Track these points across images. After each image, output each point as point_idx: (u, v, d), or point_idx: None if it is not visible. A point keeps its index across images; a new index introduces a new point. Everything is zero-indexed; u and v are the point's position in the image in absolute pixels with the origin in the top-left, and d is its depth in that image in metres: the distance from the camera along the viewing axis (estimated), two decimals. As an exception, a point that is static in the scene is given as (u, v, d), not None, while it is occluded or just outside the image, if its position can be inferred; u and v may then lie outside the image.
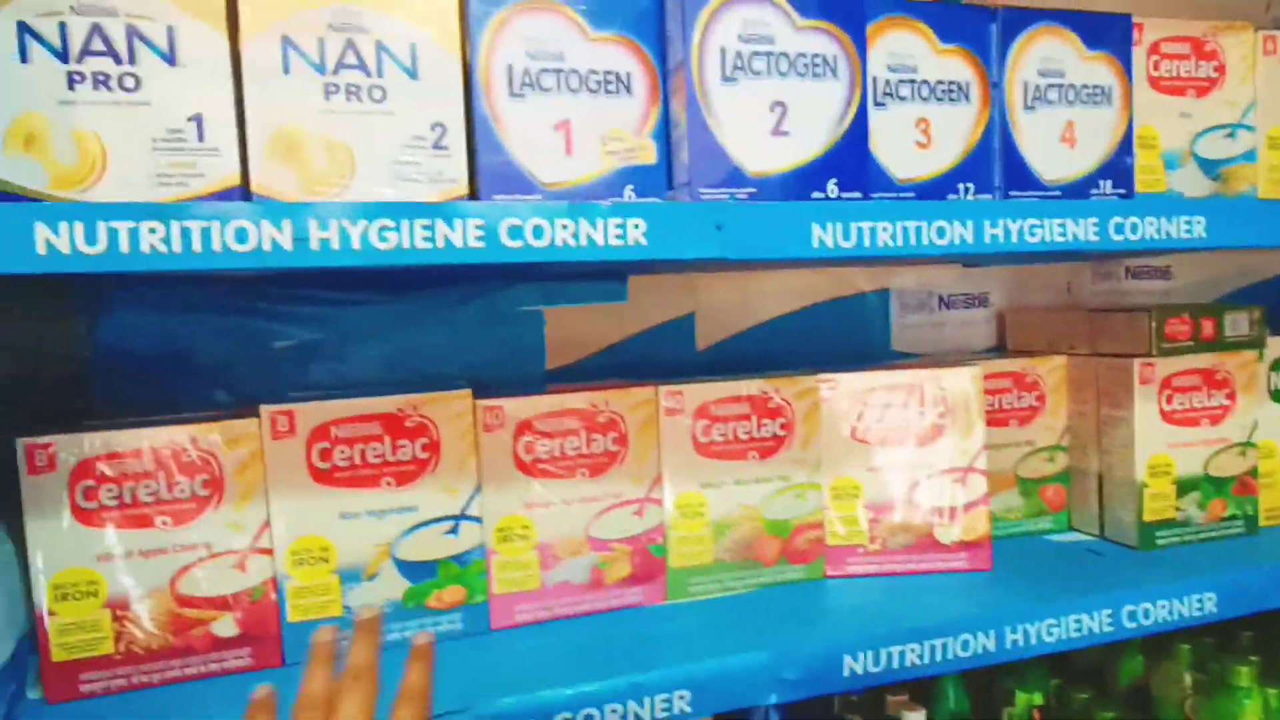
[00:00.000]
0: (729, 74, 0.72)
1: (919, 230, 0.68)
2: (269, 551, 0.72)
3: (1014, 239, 0.70)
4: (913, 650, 0.70)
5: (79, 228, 0.53)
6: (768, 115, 0.73)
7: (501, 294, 0.93)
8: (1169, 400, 0.90)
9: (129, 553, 0.69)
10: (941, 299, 1.08)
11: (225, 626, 0.71)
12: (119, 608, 0.69)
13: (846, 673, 0.68)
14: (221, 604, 0.71)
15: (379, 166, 0.69)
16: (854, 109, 0.75)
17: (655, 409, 0.81)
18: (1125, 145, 0.86)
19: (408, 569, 0.75)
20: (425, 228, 0.58)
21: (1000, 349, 1.10)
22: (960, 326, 1.08)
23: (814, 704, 0.99)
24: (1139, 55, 0.88)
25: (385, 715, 0.54)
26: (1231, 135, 0.92)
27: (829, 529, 0.87)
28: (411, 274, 0.86)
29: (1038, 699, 1.02)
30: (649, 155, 0.75)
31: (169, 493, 0.69)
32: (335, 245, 0.57)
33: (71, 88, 0.63)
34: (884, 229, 0.67)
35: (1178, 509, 0.91)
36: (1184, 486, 0.91)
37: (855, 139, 0.75)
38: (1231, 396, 0.92)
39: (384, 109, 0.69)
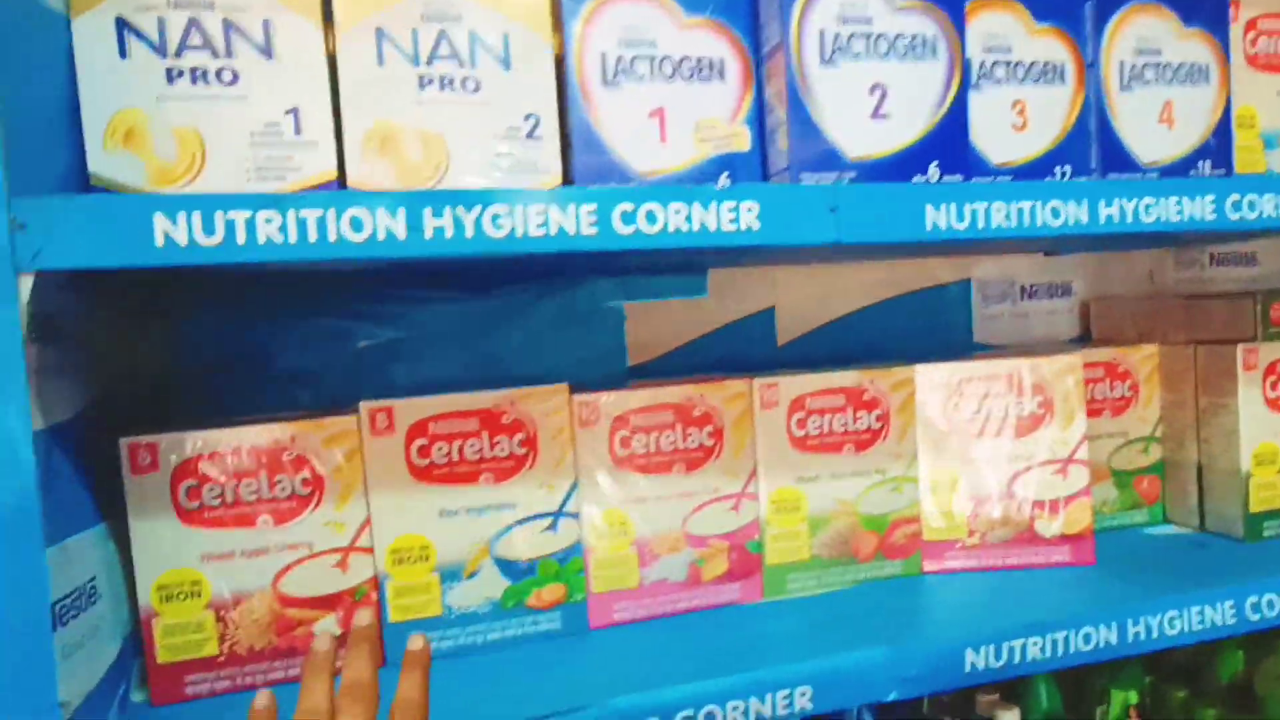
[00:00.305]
0: (828, 56, 0.71)
1: (1033, 211, 0.66)
2: (369, 550, 0.71)
3: (1128, 219, 0.68)
4: (1034, 644, 0.67)
5: (197, 218, 0.52)
6: (867, 98, 0.72)
7: (581, 289, 0.92)
8: (1274, 387, 0.87)
9: (231, 553, 0.68)
10: (1023, 289, 1.05)
11: (329, 626, 0.70)
12: (222, 608, 0.68)
13: (968, 668, 0.66)
14: (324, 604, 0.70)
15: (473, 158, 0.68)
16: (954, 91, 0.74)
17: (749, 402, 0.79)
18: (1224, 124, 0.84)
19: (507, 567, 0.74)
20: (539, 214, 0.57)
21: (1084, 339, 1.07)
22: (1043, 316, 1.06)
23: (905, 708, 0.97)
24: (1235, 32, 0.86)
25: None
26: (1330, 112, 0.89)
27: (925, 523, 0.84)
28: (494, 270, 0.86)
29: (1133, 697, 0.99)
30: (743, 142, 0.74)
31: (270, 491, 0.69)
32: (449, 234, 0.56)
33: (170, 82, 0.63)
34: (998, 209, 0.65)
35: (1286, 499, 0.88)
36: (1292, 475, 0.88)
37: (955, 121, 0.74)
38: (1338, 382, 0.88)
39: (478, 99, 0.68)
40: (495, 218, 0.57)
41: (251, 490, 0.68)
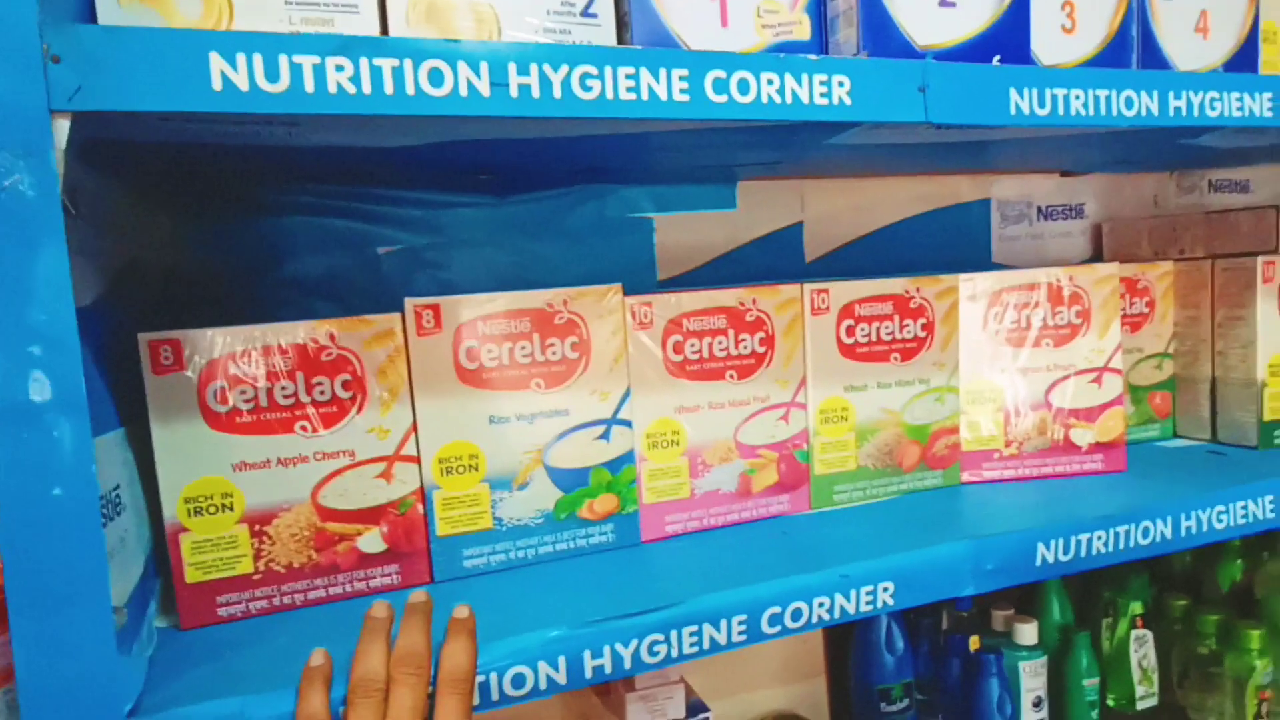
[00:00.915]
0: (899, -62, 0.68)
1: (1109, 100, 0.65)
2: (415, 459, 0.66)
3: (1195, 113, 0.67)
4: (1099, 538, 0.68)
5: (258, 61, 0.46)
6: (935, -15, 0.70)
7: (611, 199, 0.88)
8: (1289, 298, 0.89)
9: (266, 460, 0.62)
10: (1040, 210, 1.06)
11: (371, 542, 0.65)
12: (257, 522, 0.62)
13: (1039, 562, 0.66)
14: (367, 517, 0.65)
15: (526, 33, 0.63)
16: (1017, -19, 0.72)
17: (801, 308, 0.77)
18: (1252, 37, 0.85)
19: (560, 476, 0.70)
20: (629, 77, 0.53)
21: (1096, 259, 1.09)
22: (1057, 239, 1.07)
23: (928, 622, 0.98)
24: (1263, -54, 0.87)
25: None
26: (1342, 32, 0.91)
27: (964, 433, 0.84)
28: (524, 170, 0.81)
29: (1139, 608, 1.02)
30: (804, 31, 0.70)
31: (308, 395, 0.63)
32: (535, 93, 0.51)
33: (195, -67, 0.55)
34: (1077, 96, 0.64)
35: (1295, 408, 0.91)
36: (1301, 385, 0.91)
37: (1018, 14, 0.72)
38: (1343, 295, 0.92)
39: (532, -30, 0.63)
40: (584, 78, 0.52)
41: (287, 394, 0.62)
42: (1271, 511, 0.75)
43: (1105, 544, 0.68)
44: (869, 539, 0.69)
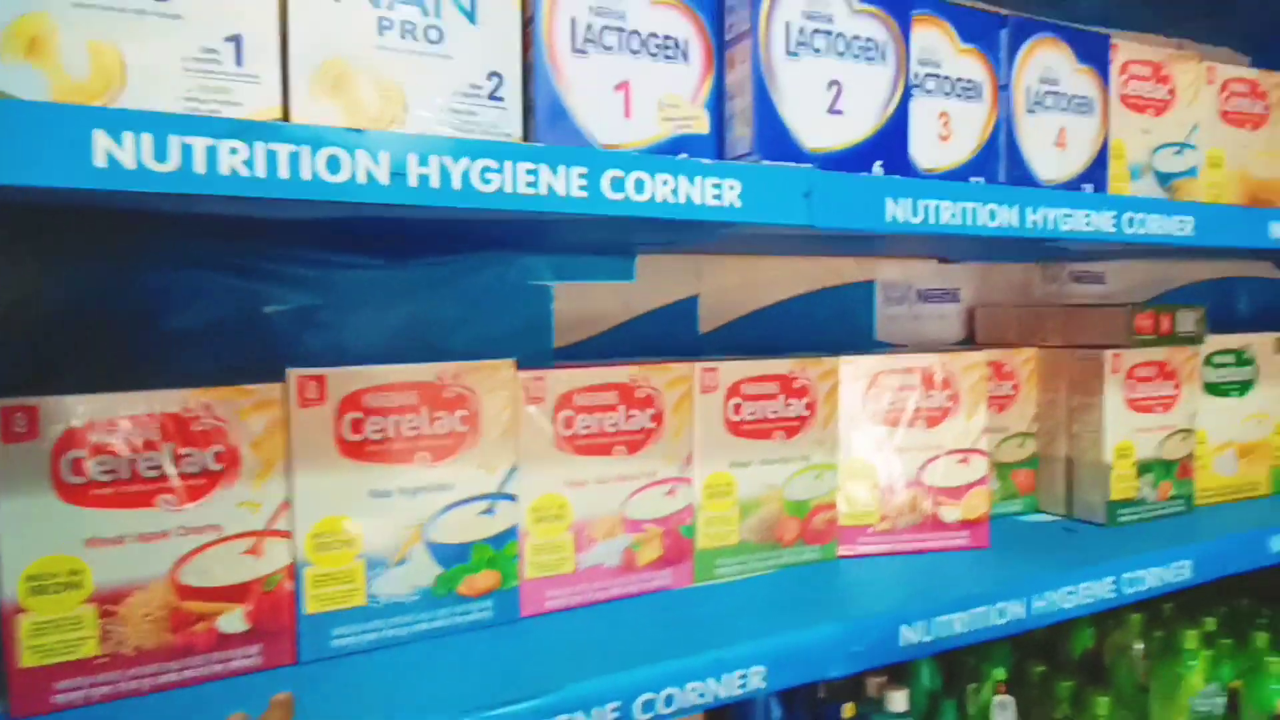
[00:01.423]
0: (792, 48, 0.72)
1: (975, 211, 0.70)
2: (287, 534, 0.64)
3: (1050, 226, 0.74)
4: (958, 619, 0.71)
5: (146, 140, 0.45)
6: (825, 93, 0.74)
7: (511, 266, 0.88)
8: (1132, 389, 0.98)
9: (123, 537, 0.59)
10: (920, 293, 1.12)
11: (233, 621, 0.63)
12: (107, 601, 0.59)
13: (903, 642, 0.69)
14: (231, 595, 0.62)
15: (432, 112, 0.63)
16: (899, 94, 0.77)
17: (690, 386, 0.79)
18: (1103, 153, 0.94)
19: (440, 552, 0.69)
20: (529, 172, 0.54)
21: (968, 342, 1.16)
22: (935, 320, 1.13)
23: (804, 692, 1.00)
24: (1113, 72, 0.96)
25: None
26: (1179, 152, 1.02)
27: (842, 509, 0.88)
28: (423, 236, 0.80)
29: (1002, 674, 1.08)
30: (702, 125, 0.74)
31: (175, 467, 0.60)
32: (435, 183, 0.52)
33: (79, -11, 0.54)
34: (947, 208, 0.69)
35: (1137, 489, 0.99)
36: (1142, 468, 0.99)
37: (899, 124, 0.77)
38: (1178, 387, 1.01)
39: (440, 51, 0.64)
40: (485, 171, 0.53)
41: (152, 465, 0.59)
42: (1112, 591, 0.81)
43: (964, 624, 0.72)
44: (746, 618, 0.71)
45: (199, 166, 0.46)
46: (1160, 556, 0.85)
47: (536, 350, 0.89)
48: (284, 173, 0.47)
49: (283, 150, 0.47)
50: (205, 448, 0.61)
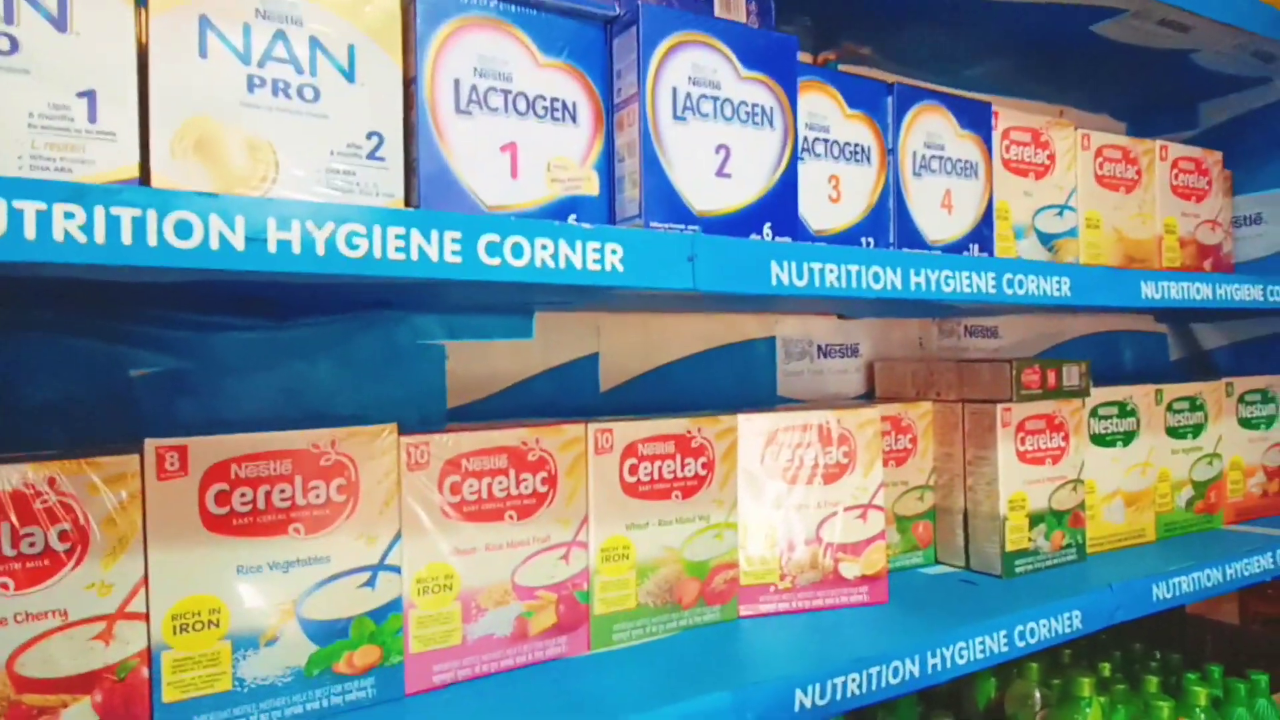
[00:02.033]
0: (680, 113, 0.73)
1: (859, 274, 0.72)
2: (143, 616, 0.60)
3: (932, 288, 0.76)
4: (853, 681, 0.71)
5: (-32, 204, 0.42)
6: (713, 157, 0.75)
7: (400, 326, 0.86)
8: (1023, 441, 1.00)
9: (-49, 627, 0.54)
10: (820, 348, 1.14)
11: (80, 714, 0.58)
12: (-68, 700, 0.53)
13: (798, 708, 0.68)
14: (77, 685, 0.58)
15: (307, 172, 0.62)
16: (786, 159, 0.79)
17: (585, 447, 0.77)
18: (988, 215, 0.98)
19: (315, 629, 0.65)
20: (399, 237, 0.53)
21: (869, 396, 1.18)
22: (836, 374, 1.15)
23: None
24: (995, 138, 1.01)
25: None
26: (1060, 214, 1.07)
27: (743, 568, 0.87)
28: (305, 298, 0.78)
29: (908, 728, 1.08)
30: (592, 187, 0.74)
31: (12, 549, 0.56)
32: (296, 249, 0.50)
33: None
34: (831, 270, 0.70)
35: (1030, 540, 1.01)
36: (1035, 519, 1.01)
37: (787, 187, 0.79)
38: (1066, 439, 1.04)
39: (316, 110, 0.63)
40: (350, 236, 0.51)
41: (-13, 546, 0.55)
42: (1005, 645, 0.82)
43: (859, 685, 0.71)
44: (641, 687, 0.69)
45: (29, 233, 0.43)
46: (1051, 609, 0.86)
47: (429, 413, 0.87)
48: (127, 239, 0.45)
49: (125, 214, 0.45)
50: (49, 526, 0.57)
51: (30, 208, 0.43)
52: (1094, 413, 1.10)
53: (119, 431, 0.70)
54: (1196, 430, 1.22)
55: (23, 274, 0.50)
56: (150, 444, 0.60)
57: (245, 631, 0.63)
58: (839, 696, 0.70)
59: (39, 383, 0.70)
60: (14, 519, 0.56)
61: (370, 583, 0.67)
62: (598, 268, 0.59)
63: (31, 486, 0.56)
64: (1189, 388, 1.21)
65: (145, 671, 0.60)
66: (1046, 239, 1.05)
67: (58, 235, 0.44)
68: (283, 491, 0.64)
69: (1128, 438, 1.14)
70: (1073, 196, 1.08)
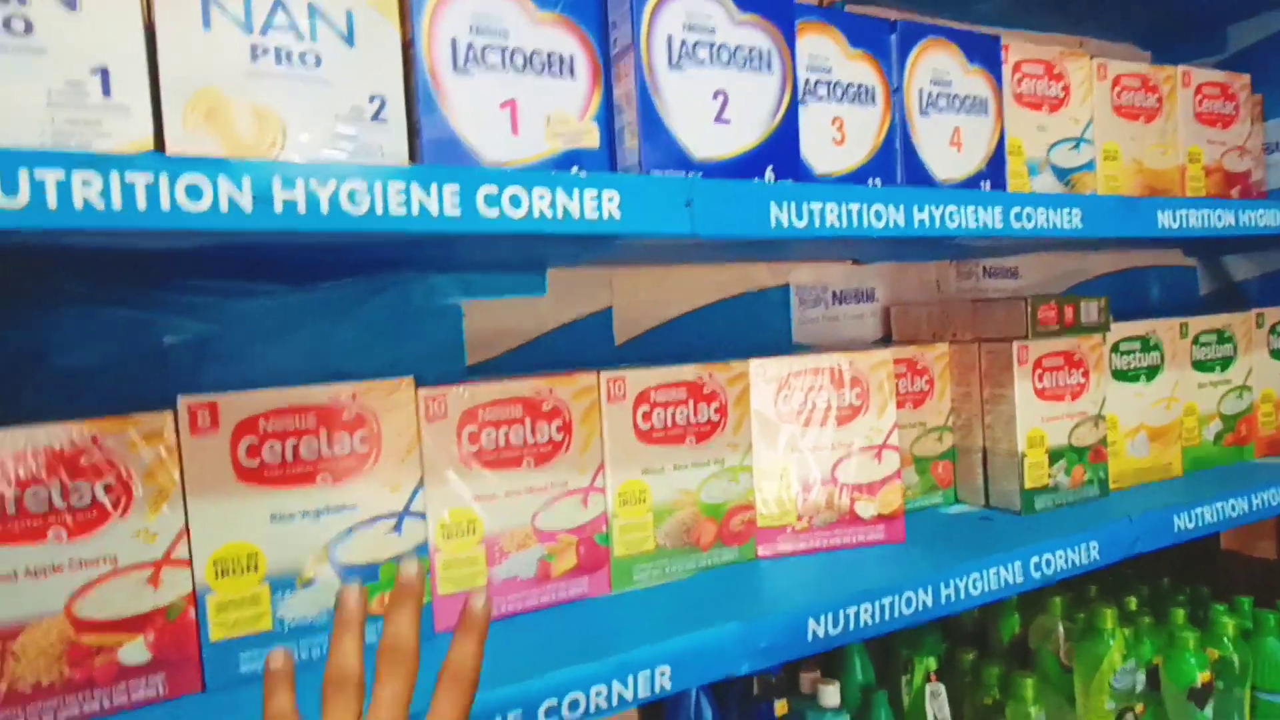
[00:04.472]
0: (676, 61, 0.74)
1: (860, 213, 0.72)
2: (187, 563, 0.64)
3: (936, 224, 0.76)
4: (865, 610, 0.73)
5: (-7, 175, 0.45)
6: (711, 103, 0.76)
7: (417, 286, 0.89)
8: (1040, 379, 1.00)
9: (13, 573, 0.59)
10: (835, 294, 1.15)
11: (134, 652, 0.62)
12: (1, 639, 0.58)
13: (810, 636, 0.70)
14: (130, 626, 0.62)
15: (313, 137, 0.64)
16: (786, 102, 0.79)
17: (598, 396, 0.80)
18: (1000, 151, 0.97)
19: (347, 573, 0.69)
20: (400, 192, 0.55)
21: (886, 340, 1.18)
22: (851, 320, 1.16)
23: (738, 690, 1.01)
24: (1006, 72, 0.99)
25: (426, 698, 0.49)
26: (1076, 148, 1.06)
27: (759, 510, 0.89)
28: (323, 261, 0.81)
29: (932, 663, 1.10)
30: (593, 139, 0.75)
31: (64, 501, 0.60)
32: (302, 208, 0.52)
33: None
34: (831, 210, 0.71)
35: (1050, 476, 1.01)
36: (1054, 456, 1.02)
37: (788, 131, 0.79)
38: (1086, 375, 1.04)
39: (318, 76, 0.65)
40: (352, 193, 0.53)
41: (40, 500, 0.59)
42: (1021, 576, 0.83)
43: (871, 615, 0.73)
44: (658, 621, 0.71)
45: (52, 201, 0.46)
46: (1069, 540, 0.87)
47: (449, 370, 0.90)
48: (142, 204, 0.48)
49: (140, 180, 0.48)
50: (95, 480, 0.61)
51: (51, 177, 0.46)
52: (1115, 348, 1.09)
53: (155, 395, 0.74)
54: (1225, 363, 1.20)
55: (51, 243, 0.53)
56: (183, 401, 0.63)
57: (282, 575, 0.67)
58: (852, 626, 0.72)
59: (78, 351, 0.74)
60: (63, 474, 0.60)
61: (397, 528, 0.71)
62: (595, 215, 0.61)
63: (75, 444, 0.60)
64: (1216, 320, 1.19)
65: (192, 613, 0.64)
66: (1062, 174, 1.04)
67: (78, 203, 0.47)
68: (309, 444, 0.67)
69: (1151, 372, 1.13)
70: (1089, 129, 1.06)
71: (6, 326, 0.72)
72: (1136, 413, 1.11)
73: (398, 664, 0.49)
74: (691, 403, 0.84)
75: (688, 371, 0.84)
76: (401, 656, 0.49)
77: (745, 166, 0.77)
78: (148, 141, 0.59)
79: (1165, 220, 0.94)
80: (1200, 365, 1.18)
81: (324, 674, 0.49)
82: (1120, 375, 1.10)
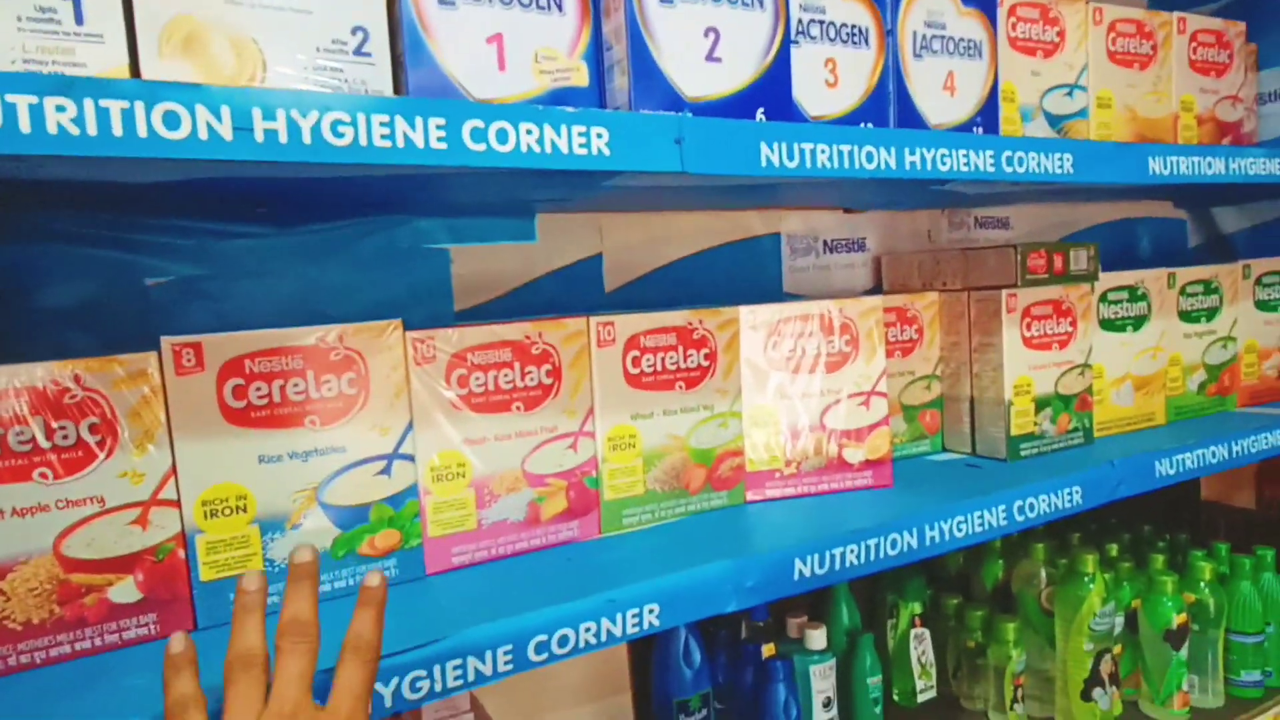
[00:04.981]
0: (666, -5, 0.72)
1: (851, 154, 0.71)
2: (175, 504, 0.64)
3: (928, 166, 0.75)
4: (851, 551, 0.74)
5: (-37, 99, 0.44)
6: (702, 41, 0.74)
7: (404, 229, 0.88)
8: (1029, 327, 1.01)
9: (0, 513, 0.58)
10: (826, 243, 1.14)
11: (124, 592, 0.62)
12: (-12, 579, 0.58)
13: (796, 576, 0.71)
14: (119, 566, 0.62)
15: (294, 69, 0.62)
16: (778, 42, 0.78)
17: (587, 341, 0.79)
18: (993, 96, 0.96)
19: (337, 514, 0.69)
20: (384, 124, 0.54)
21: (876, 290, 1.18)
22: (842, 270, 1.15)
23: (725, 633, 1.03)
24: (1001, 15, 0.98)
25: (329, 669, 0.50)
26: (1070, 94, 1.05)
27: (748, 455, 0.89)
28: (310, 200, 0.79)
29: (917, 608, 1.12)
30: (581, 78, 0.74)
31: (48, 440, 0.59)
32: (283, 139, 0.51)
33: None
34: (822, 151, 0.70)
35: (1036, 424, 1.02)
36: (1040, 404, 1.02)
37: (780, 71, 0.78)
38: (1074, 324, 1.04)
39: (298, 6, 0.63)
40: (336, 124, 0.52)
41: (23, 439, 0.59)
42: (1004, 519, 0.84)
43: (857, 556, 0.74)
44: (647, 562, 0.72)
45: (24, 125, 0.45)
46: (1052, 485, 0.88)
47: (437, 315, 0.89)
48: (118, 130, 0.47)
49: (115, 106, 0.47)
50: (79, 420, 0.60)
51: (23, 101, 0.45)
52: (1103, 298, 1.10)
53: (140, 337, 0.73)
54: (1211, 314, 1.21)
55: (27, 173, 0.52)
56: (166, 341, 0.63)
57: (271, 516, 0.67)
58: (837, 566, 0.73)
59: (61, 291, 0.73)
60: (48, 415, 0.59)
61: (386, 470, 0.71)
62: (584, 151, 0.60)
63: (58, 383, 0.59)
64: (1203, 271, 1.19)
65: (182, 553, 0.64)
66: (1055, 121, 1.03)
67: (51, 128, 0.45)
68: (296, 385, 0.67)
69: (1138, 322, 1.13)
70: (1083, 75, 1.05)
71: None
72: (1123, 362, 1.12)
73: (299, 640, 0.50)
74: (681, 349, 0.84)
75: (677, 317, 0.84)
76: (303, 633, 0.50)
77: (737, 106, 0.76)
78: (123, 71, 0.57)
79: (1156, 167, 0.93)
80: (1186, 316, 1.18)
81: (226, 656, 0.49)
82: (1108, 325, 1.10)
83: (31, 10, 0.54)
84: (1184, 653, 1.09)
